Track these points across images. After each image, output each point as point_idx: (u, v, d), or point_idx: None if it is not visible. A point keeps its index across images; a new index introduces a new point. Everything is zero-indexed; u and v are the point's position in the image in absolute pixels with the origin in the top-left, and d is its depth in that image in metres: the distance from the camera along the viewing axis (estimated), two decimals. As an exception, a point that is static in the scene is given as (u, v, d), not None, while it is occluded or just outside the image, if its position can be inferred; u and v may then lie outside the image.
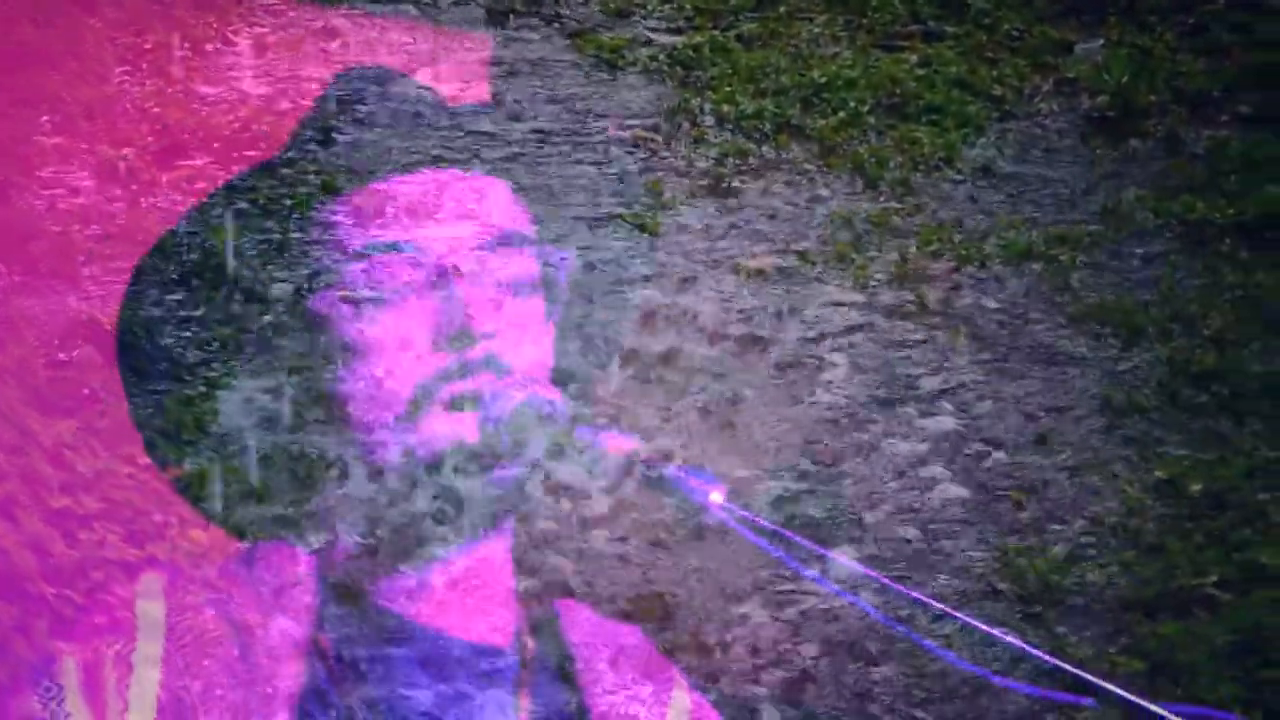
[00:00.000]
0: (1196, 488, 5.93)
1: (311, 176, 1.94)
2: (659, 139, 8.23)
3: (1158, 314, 6.99)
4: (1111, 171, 8.18)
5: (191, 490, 2.05)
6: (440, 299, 1.82)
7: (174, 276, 1.99)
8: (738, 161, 8.11)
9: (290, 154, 1.99)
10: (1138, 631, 5.37)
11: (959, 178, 8.12)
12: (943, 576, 5.68)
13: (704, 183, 7.90)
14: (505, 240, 1.88)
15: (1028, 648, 1.65)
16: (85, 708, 1.76)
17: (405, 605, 1.86)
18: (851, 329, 6.93)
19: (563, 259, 1.92)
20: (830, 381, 6.61)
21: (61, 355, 5.35)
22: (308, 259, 1.88)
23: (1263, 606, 5.31)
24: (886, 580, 1.80)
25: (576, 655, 1.94)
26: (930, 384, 6.63)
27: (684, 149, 8.16)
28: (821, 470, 6.14)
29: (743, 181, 7.97)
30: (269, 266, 1.91)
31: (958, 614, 1.67)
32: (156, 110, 7.13)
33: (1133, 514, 5.91)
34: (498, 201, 1.91)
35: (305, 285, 1.88)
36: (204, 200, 2.01)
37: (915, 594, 1.73)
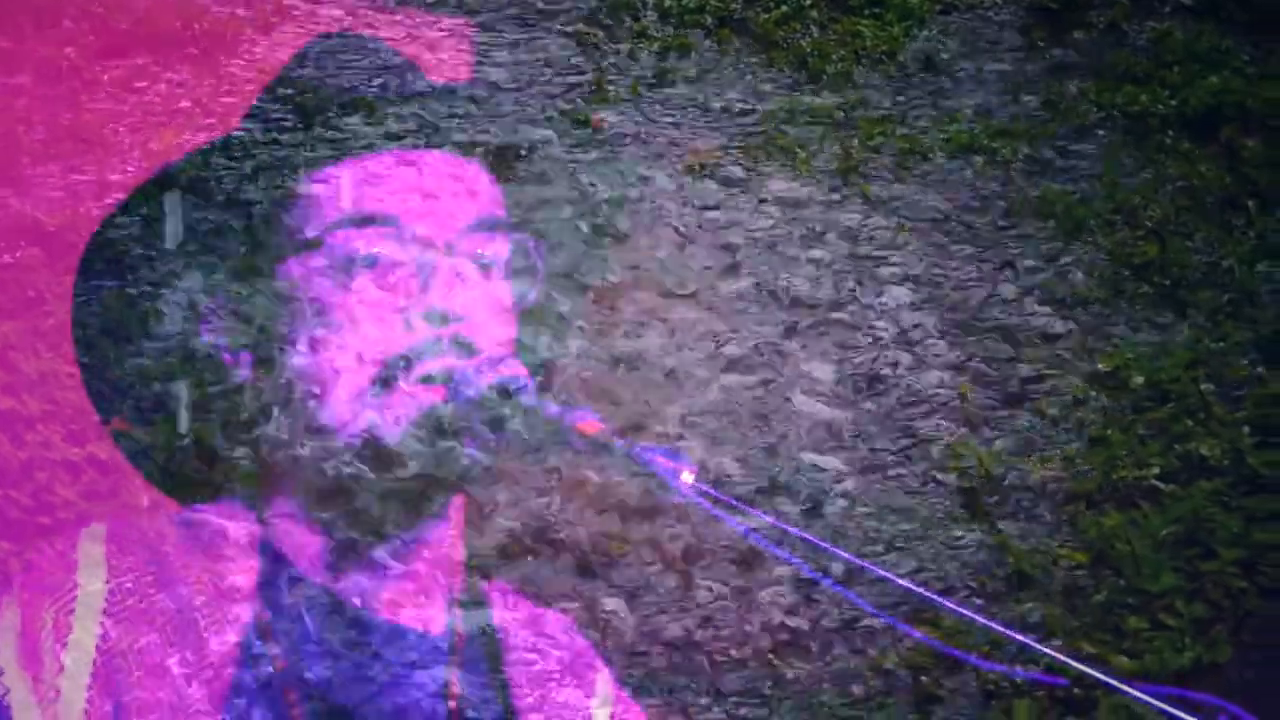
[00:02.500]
0: (1139, 379, 5.97)
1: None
2: (600, 33, 8.19)
3: (1100, 205, 7.01)
4: (1054, 64, 8.18)
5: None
6: (413, 276, 1.81)
7: None
8: (680, 56, 8.08)
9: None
10: (1080, 523, 5.42)
11: (902, 71, 8.11)
12: (891, 466, 5.71)
13: (647, 78, 7.87)
14: (480, 223, 1.86)
15: (1016, 635, 1.66)
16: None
17: (355, 584, 1.85)
18: (793, 223, 6.93)
19: (536, 245, 1.90)
20: (772, 274, 6.62)
21: (5, 257, 5.31)
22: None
23: (1204, 498, 5.36)
24: (857, 560, 1.81)
25: (504, 641, 1.92)
26: (873, 279, 6.65)
27: (626, 44, 8.12)
28: (769, 356, 6.16)
29: (685, 76, 7.94)
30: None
31: (947, 601, 1.68)
32: (99, 9, 7.07)
33: (1075, 406, 5.95)
34: (474, 183, 1.89)
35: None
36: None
37: (906, 583, 1.73)
